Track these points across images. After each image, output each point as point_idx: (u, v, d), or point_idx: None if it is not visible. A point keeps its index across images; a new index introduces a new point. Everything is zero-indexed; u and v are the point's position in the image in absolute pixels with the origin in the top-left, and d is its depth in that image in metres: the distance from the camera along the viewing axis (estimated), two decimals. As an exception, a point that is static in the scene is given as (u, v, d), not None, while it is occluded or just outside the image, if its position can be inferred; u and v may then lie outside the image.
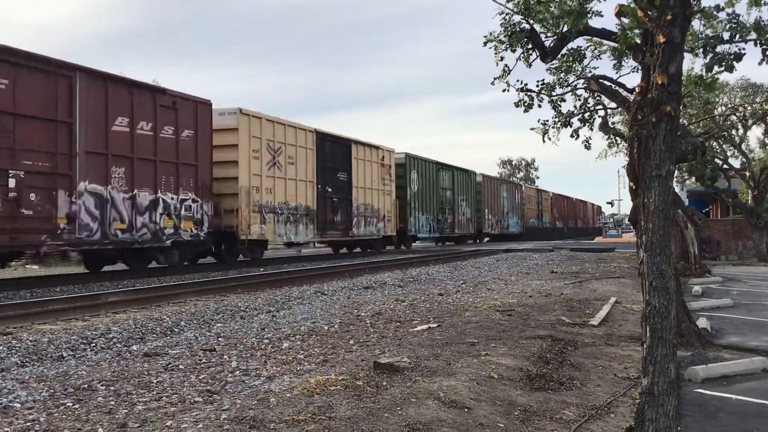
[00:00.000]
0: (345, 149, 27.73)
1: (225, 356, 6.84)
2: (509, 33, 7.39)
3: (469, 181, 42.99)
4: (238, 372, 6.09)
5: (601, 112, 9.95)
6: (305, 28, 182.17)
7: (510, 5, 7.25)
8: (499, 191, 49.58)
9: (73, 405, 5.01)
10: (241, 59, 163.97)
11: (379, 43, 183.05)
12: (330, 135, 26.68)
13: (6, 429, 4.46)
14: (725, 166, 26.68)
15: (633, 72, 8.45)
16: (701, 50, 5.42)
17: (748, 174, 26.68)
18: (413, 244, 37.84)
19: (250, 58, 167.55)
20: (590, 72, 9.07)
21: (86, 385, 5.59)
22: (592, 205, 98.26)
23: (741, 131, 26.93)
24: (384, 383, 5.55)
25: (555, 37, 7.49)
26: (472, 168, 47.66)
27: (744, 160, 27.26)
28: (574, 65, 9.03)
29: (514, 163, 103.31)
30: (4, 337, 8.54)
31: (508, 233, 51.36)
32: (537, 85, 8.83)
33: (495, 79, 7.83)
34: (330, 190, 26.20)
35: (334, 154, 26.74)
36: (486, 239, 49.01)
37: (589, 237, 67.18)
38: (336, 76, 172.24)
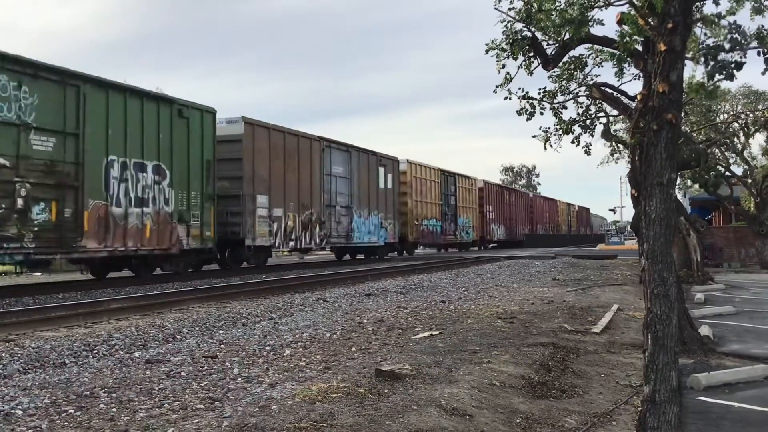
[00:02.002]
0: None
1: (227, 363, 6.84)
2: (511, 41, 7.43)
3: (187, 127, 19.00)
4: (239, 379, 6.09)
5: (603, 120, 9.99)
6: (310, 35, 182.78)
7: (512, 13, 7.29)
8: (322, 164, 25.77)
9: (75, 412, 5.01)
10: (245, 66, 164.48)
11: (384, 50, 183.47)
12: None
13: (8, 436, 4.47)
14: (727, 173, 26.65)
15: (634, 79, 8.49)
16: (702, 59, 5.44)
17: (750, 181, 26.65)
18: None
19: (254, 64, 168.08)
20: (592, 79, 9.11)
21: (88, 392, 5.60)
22: (569, 205, 75.28)
23: (743, 139, 26.93)
24: (386, 390, 5.55)
25: (557, 45, 7.53)
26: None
27: (746, 167, 27.25)
28: (575, 73, 9.07)
29: (516, 169, 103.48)
30: (7, 343, 8.55)
31: (354, 244, 29.12)
32: (539, 93, 8.88)
33: (497, 87, 7.87)
34: None
35: None
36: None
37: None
38: (341, 83, 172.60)
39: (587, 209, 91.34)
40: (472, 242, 44.34)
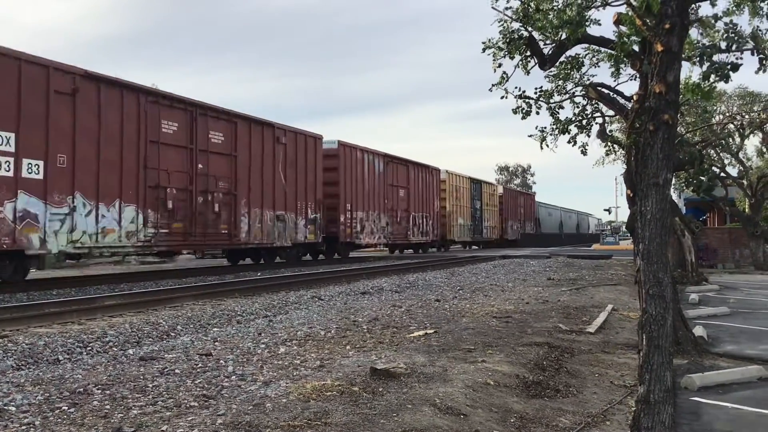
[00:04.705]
0: None
1: (221, 361, 6.83)
2: (508, 40, 7.41)
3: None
4: (234, 377, 6.08)
5: (599, 120, 9.98)
6: (307, 32, 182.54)
7: (509, 12, 7.28)
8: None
9: (68, 409, 4.99)
10: (241, 62, 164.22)
11: (382, 48, 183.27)
12: None
13: (1, 432, 4.45)
14: (723, 174, 26.72)
15: (631, 80, 8.48)
16: (698, 59, 5.45)
17: (745, 182, 26.74)
18: None
19: (251, 61, 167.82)
20: (588, 79, 9.11)
21: (82, 389, 5.58)
22: (481, 183, 45.19)
23: (738, 140, 27.01)
24: (380, 389, 5.55)
25: (553, 45, 7.52)
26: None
27: (741, 168, 27.33)
28: (572, 73, 9.06)
29: (511, 169, 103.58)
30: (0, 339, 8.51)
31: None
32: (535, 92, 8.87)
33: (493, 85, 7.85)
34: None
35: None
36: None
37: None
38: (338, 80, 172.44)
39: (531, 195, 60.31)
40: None
